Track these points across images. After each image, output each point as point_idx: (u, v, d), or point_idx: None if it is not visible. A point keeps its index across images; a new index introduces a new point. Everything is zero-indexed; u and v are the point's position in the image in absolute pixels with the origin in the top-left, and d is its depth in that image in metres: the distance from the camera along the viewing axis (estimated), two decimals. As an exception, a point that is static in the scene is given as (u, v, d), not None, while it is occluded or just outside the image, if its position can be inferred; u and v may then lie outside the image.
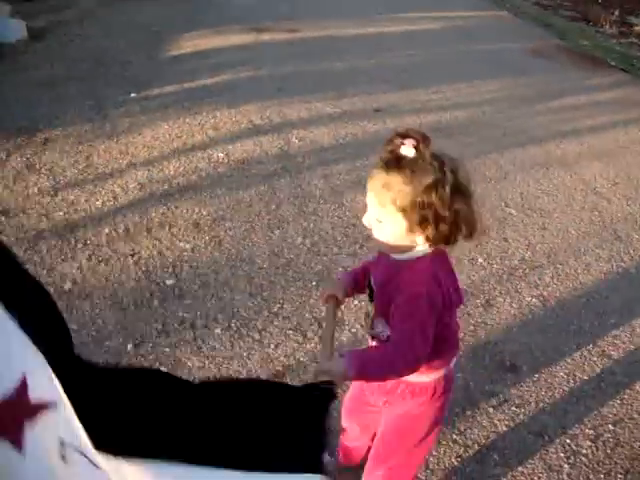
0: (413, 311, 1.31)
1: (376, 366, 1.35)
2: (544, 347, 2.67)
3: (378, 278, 1.46)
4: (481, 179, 3.89)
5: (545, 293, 2.98)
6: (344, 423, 1.80)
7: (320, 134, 4.14)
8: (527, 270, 3.12)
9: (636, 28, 8.50)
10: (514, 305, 2.87)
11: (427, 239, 1.31)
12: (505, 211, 3.60)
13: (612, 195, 3.96)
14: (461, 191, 1.30)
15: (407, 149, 1.25)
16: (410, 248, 1.35)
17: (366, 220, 1.36)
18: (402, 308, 1.33)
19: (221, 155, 3.77)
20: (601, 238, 3.49)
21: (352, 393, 1.77)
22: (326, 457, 1.83)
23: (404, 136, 1.27)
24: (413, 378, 1.45)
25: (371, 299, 1.50)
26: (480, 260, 3.13)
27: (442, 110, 4.76)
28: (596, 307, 2.95)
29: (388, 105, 4.72)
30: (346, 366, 1.29)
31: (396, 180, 1.25)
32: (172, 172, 3.55)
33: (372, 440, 1.73)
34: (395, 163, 1.26)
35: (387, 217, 1.30)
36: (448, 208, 1.26)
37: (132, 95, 4.42)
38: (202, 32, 6.11)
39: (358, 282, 1.57)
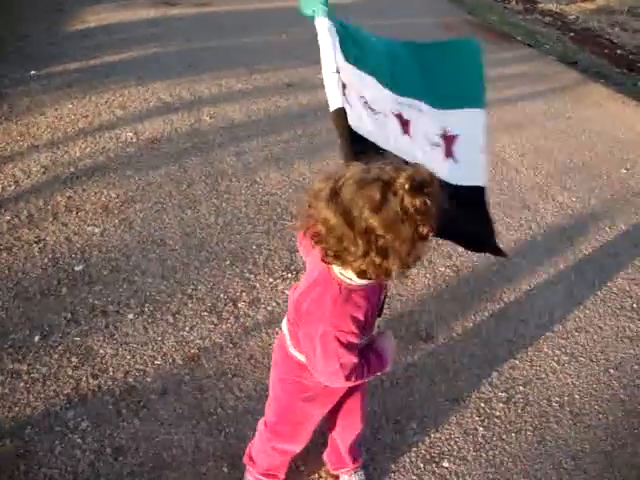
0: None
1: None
2: (458, 315, 2.75)
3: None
4: (394, 152, 3.94)
5: (458, 263, 3.07)
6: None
7: (232, 110, 4.06)
8: (440, 241, 3.19)
9: (539, 5, 8.78)
10: (428, 276, 2.94)
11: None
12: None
13: (520, 165, 4.11)
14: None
15: None
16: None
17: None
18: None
19: (130, 135, 3.63)
20: (511, 207, 3.61)
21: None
22: None
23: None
24: None
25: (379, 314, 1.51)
26: (394, 232, 3.17)
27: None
28: (507, 274, 3.06)
29: (300, 80, 4.68)
30: None
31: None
32: (78, 154, 3.40)
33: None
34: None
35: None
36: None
37: (32, 73, 4.17)
38: (108, 5, 5.81)
39: None
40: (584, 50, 6.93)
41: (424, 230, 1.15)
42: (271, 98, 4.36)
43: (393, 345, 1.55)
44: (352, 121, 1.47)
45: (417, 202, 1.12)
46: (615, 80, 6.09)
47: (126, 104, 3.97)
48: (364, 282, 1.29)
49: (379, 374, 1.51)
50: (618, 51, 7.07)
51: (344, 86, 1.53)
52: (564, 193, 3.85)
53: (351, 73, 1.59)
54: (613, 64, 6.57)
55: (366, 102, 1.58)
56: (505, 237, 3.31)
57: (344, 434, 1.86)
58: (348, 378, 1.39)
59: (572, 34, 7.55)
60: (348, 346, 1.34)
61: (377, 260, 1.17)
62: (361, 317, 1.33)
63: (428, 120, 1.68)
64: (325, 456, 2.00)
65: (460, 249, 3.14)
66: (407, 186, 1.12)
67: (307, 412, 1.65)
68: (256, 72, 4.71)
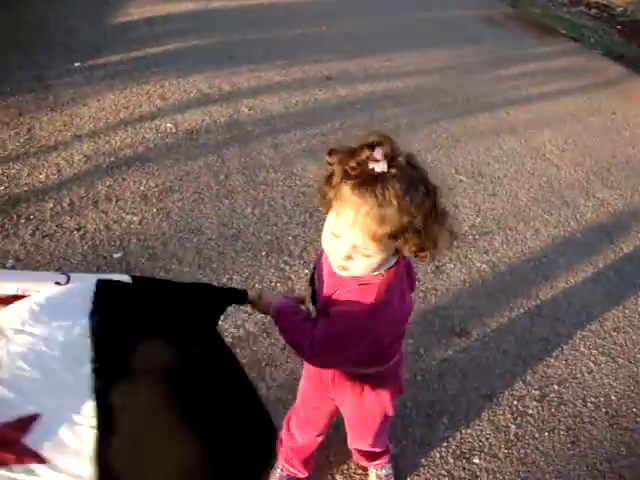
0: (347, 332, 1.27)
1: (291, 327, 1.38)
2: (493, 312, 2.73)
3: (324, 289, 1.34)
4: (432, 146, 3.91)
5: (494, 259, 3.04)
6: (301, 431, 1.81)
7: (270, 103, 4.09)
8: (477, 236, 3.16)
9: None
10: (464, 271, 2.91)
11: (418, 257, 1.21)
12: (455, 178, 3.62)
13: (560, 162, 4.03)
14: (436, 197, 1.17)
15: (380, 163, 1.08)
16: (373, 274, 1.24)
17: (340, 251, 1.18)
18: (336, 323, 1.28)
19: (169, 125, 3.69)
20: (549, 204, 3.56)
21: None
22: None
23: (372, 146, 1.10)
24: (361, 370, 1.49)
25: (313, 301, 1.40)
26: (430, 227, 3.15)
27: (394, 78, 4.75)
28: (544, 271, 3.01)
29: (339, 73, 4.68)
30: (274, 303, 1.39)
31: (389, 209, 1.07)
32: (119, 143, 3.46)
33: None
34: (378, 184, 1.07)
35: (377, 250, 1.16)
36: (434, 221, 1.14)
37: (76, 64, 4.26)
38: (150, -1, 5.91)
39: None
40: (631, 43, 6.75)
41: None
42: (310, 90, 4.37)
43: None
44: None
45: None
46: (663, 75, 5.92)
47: (166, 95, 4.03)
48: None
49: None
50: (668, 45, 6.87)
51: None
52: (606, 190, 3.77)
53: None
54: (661, 58, 6.39)
55: None
56: (543, 234, 3.26)
57: (351, 439, 1.84)
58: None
59: (619, 27, 7.36)
60: None
61: None
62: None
63: None
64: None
65: (496, 244, 3.12)
66: None
67: (314, 401, 1.68)
68: (295, 64, 4.72)
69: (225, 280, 2.62)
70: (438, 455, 2.10)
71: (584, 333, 2.70)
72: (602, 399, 2.40)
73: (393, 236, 1.11)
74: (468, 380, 2.39)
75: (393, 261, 1.25)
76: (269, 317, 1.44)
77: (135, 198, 3.04)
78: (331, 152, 1.16)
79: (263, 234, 2.92)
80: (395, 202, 1.06)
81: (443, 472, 2.05)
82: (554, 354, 2.57)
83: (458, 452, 2.12)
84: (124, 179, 3.17)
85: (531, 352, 2.56)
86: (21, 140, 3.39)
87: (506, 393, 2.37)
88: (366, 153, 1.09)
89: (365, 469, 2.00)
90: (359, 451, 1.90)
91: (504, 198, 3.52)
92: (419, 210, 1.09)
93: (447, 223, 1.18)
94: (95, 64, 4.31)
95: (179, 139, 3.56)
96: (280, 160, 3.49)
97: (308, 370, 1.69)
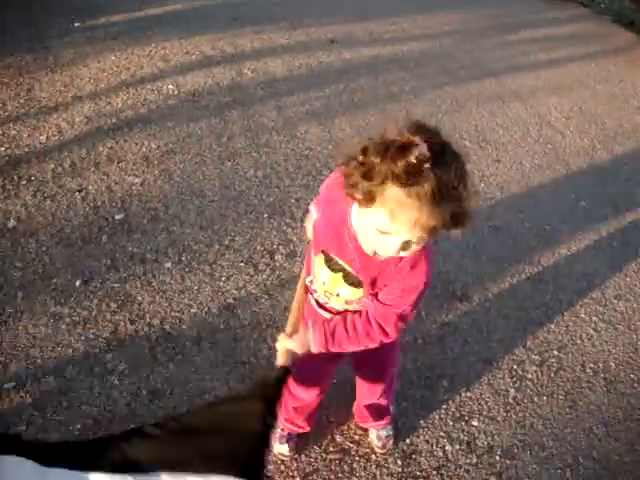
0: (407, 300, 1.34)
1: (353, 338, 1.40)
2: (495, 277, 2.73)
3: (359, 261, 1.34)
4: (436, 111, 3.87)
5: (497, 224, 3.03)
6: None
7: (273, 65, 4.03)
8: (480, 202, 3.14)
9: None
10: (467, 236, 2.90)
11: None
12: (459, 143, 3.55)
13: (566, 129, 3.99)
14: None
15: (427, 162, 1.04)
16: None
17: (394, 246, 1.17)
18: (397, 295, 1.33)
19: (171, 87, 3.64)
20: (554, 170, 3.53)
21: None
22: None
23: (413, 143, 1.05)
24: None
25: (332, 269, 1.40)
26: (433, 192, 3.13)
27: (399, 42, 4.67)
28: (547, 238, 3.01)
29: (343, 36, 4.60)
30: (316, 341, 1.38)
31: (440, 207, 1.07)
32: (120, 105, 3.42)
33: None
34: (423, 182, 1.05)
35: (429, 238, 1.16)
36: (469, 199, 1.13)
37: (76, 24, 4.19)
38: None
39: None
40: (642, 10, 6.61)
41: None
42: (314, 53, 4.30)
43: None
44: None
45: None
46: (673, 43, 5.81)
47: (168, 57, 3.97)
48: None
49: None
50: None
51: None
52: (611, 158, 3.73)
53: None
54: (672, 26, 6.26)
55: None
56: (546, 201, 3.25)
57: (363, 394, 1.89)
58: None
59: (630, -7, 7.20)
60: None
61: None
62: None
63: None
64: (354, 410, 2.02)
65: (499, 210, 3.10)
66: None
67: (318, 358, 1.66)
68: (299, 27, 4.64)
69: (227, 242, 2.62)
70: (437, 417, 2.12)
71: (585, 300, 2.70)
72: (601, 365, 2.41)
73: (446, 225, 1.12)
74: (468, 344, 2.40)
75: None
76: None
77: (137, 160, 3.02)
78: (365, 151, 1.10)
79: (265, 196, 2.90)
80: (448, 195, 1.06)
81: (442, 434, 2.07)
82: (555, 320, 2.57)
83: (457, 415, 2.14)
84: (126, 141, 3.14)
85: (532, 318, 2.56)
86: (21, 101, 3.35)
87: (506, 358, 2.38)
88: (413, 153, 1.03)
89: (365, 430, 2.02)
90: (367, 407, 1.92)
91: (508, 164, 3.49)
92: (464, 194, 1.10)
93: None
94: (96, 24, 4.24)
95: (181, 101, 3.52)
96: (283, 123, 3.45)
97: None
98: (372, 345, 1.42)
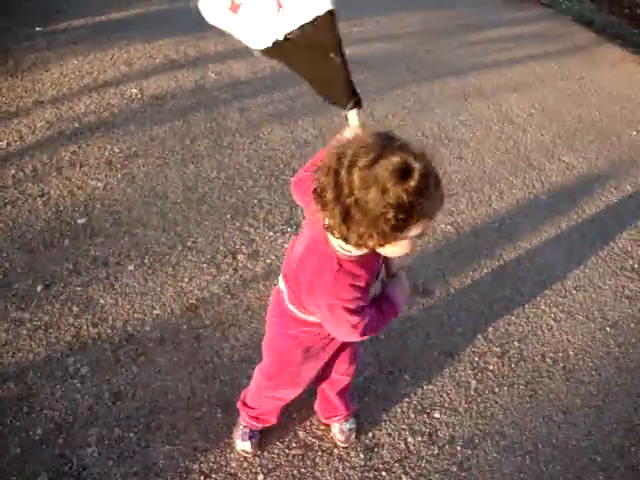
0: None
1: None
2: (457, 272, 2.77)
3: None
4: (399, 110, 3.91)
5: (459, 220, 3.07)
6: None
7: (237, 68, 4.03)
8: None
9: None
10: (428, 232, 2.94)
11: None
12: (422, 141, 3.63)
13: (527, 125, 4.06)
14: None
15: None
16: None
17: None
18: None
19: (134, 91, 3.63)
20: (515, 166, 3.59)
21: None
22: None
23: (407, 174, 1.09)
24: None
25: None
26: (396, 190, 3.17)
27: (363, 43, 4.70)
28: (508, 232, 3.06)
29: (307, 38, 4.62)
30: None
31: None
32: (83, 109, 3.40)
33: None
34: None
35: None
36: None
37: (37, 29, 4.15)
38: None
39: None
40: (602, 10, 6.75)
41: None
42: (278, 56, 4.31)
43: (405, 286, 1.53)
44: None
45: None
46: (632, 41, 5.93)
47: (131, 61, 3.96)
48: (361, 252, 1.27)
49: (393, 318, 1.51)
50: (639, 11, 6.87)
51: None
52: (571, 154, 3.81)
53: None
54: (632, 25, 6.39)
55: None
56: (508, 196, 3.30)
57: (334, 383, 1.90)
58: (364, 334, 1.39)
59: (590, -7, 7.35)
60: (356, 310, 1.33)
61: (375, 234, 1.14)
62: (363, 284, 1.32)
63: None
64: (316, 406, 2.04)
65: (461, 206, 3.15)
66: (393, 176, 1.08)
67: (306, 363, 1.67)
68: (263, 29, 4.64)
69: (189, 244, 2.62)
70: (399, 410, 2.15)
71: (545, 292, 2.75)
72: (560, 354, 2.47)
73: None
74: (430, 338, 2.43)
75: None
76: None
77: (99, 164, 3.00)
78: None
79: (228, 197, 2.91)
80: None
81: (404, 426, 2.10)
82: (515, 312, 2.62)
83: (419, 407, 2.17)
84: (88, 145, 3.13)
85: (493, 310, 2.61)
86: (-19, 106, 3.32)
87: (468, 350, 2.42)
88: (404, 186, 1.07)
89: (327, 425, 2.04)
90: (329, 403, 1.95)
91: (470, 161, 3.54)
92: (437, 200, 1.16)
93: None
94: (57, 28, 4.21)
95: (144, 104, 3.52)
96: (246, 124, 3.46)
97: (298, 338, 1.61)
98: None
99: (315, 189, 1.18)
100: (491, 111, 4.15)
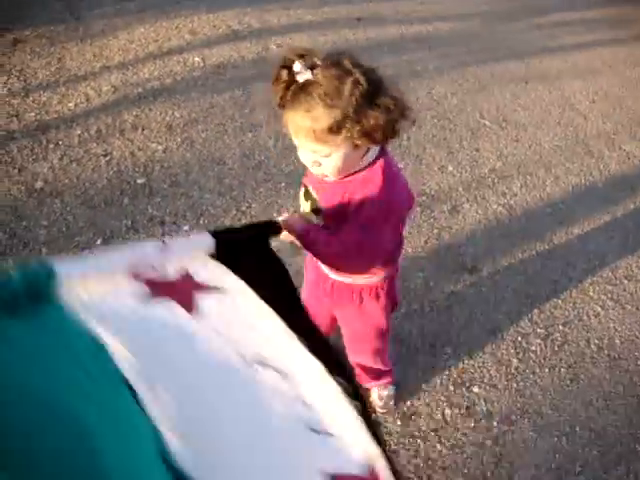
0: (376, 220, 1.36)
1: (326, 240, 1.42)
2: (505, 252, 2.76)
3: (328, 200, 1.44)
4: (458, 90, 3.89)
5: (512, 202, 3.05)
6: None
7: (299, 41, 4.06)
8: (496, 179, 3.17)
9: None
10: (480, 212, 2.94)
11: (373, 143, 1.29)
12: (479, 122, 3.61)
13: (589, 112, 3.98)
14: (372, 77, 1.23)
15: (302, 74, 1.20)
16: (358, 163, 1.34)
17: (308, 161, 1.33)
18: (365, 220, 1.35)
19: (197, 59, 3.71)
20: (573, 152, 3.53)
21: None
22: None
23: (289, 63, 1.22)
24: (361, 280, 1.56)
25: (306, 198, 1.53)
26: (450, 168, 3.17)
27: (425, 22, 4.67)
28: (560, 217, 3.03)
29: (370, 14, 4.61)
30: (299, 226, 1.41)
31: (317, 110, 1.19)
32: (147, 75, 3.50)
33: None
34: (302, 93, 1.20)
35: (331, 148, 1.26)
36: (375, 103, 1.21)
37: (107, -4, 4.29)
38: None
39: None
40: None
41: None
42: (339, 31, 4.33)
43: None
44: None
45: None
46: None
47: (195, 30, 4.04)
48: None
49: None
50: None
51: None
52: (632, 142, 3.72)
53: None
54: None
55: None
56: (563, 181, 3.26)
57: (350, 352, 1.90)
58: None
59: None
60: None
61: None
62: None
63: None
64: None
65: (515, 189, 3.12)
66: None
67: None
68: (326, 4, 4.66)
69: (244, 208, 2.70)
70: (439, 382, 2.18)
71: (595, 279, 2.72)
72: (606, 341, 2.45)
73: (334, 130, 1.21)
74: (475, 315, 2.45)
75: (372, 152, 1.35)
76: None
77: (160, 128, 3.10)
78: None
79: (284, 166, 2.96)
80: (320, 101, 1.18)
81: (442, 398, 2.13)
82: (562, 296, 2.61)
83: (459, 380, 2.20)
84: (150, 109, 3.22)
85: (539, 293, 2.60)
86: (52, 69, 3.46)
87: (511, 329, 2.42)
88: (285, 72, 1.22)
89: (367, 390, 2.09)
90: (362, 368, 1.97)
91: (527, 144, 3.50)
92: (348, 101, 1.19)
93: (394, 107, 1.24)
94: (126, -3, 4.32)
95: (206, 73, 3.59)
96: (305, 97, 3.50)
97: (305, 278, 1.73)
98: (334, 262, 1.50)
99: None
100: (552, 96, 4.07)
